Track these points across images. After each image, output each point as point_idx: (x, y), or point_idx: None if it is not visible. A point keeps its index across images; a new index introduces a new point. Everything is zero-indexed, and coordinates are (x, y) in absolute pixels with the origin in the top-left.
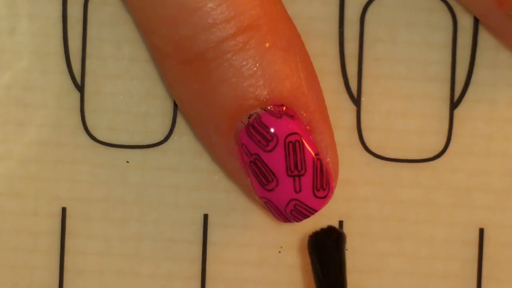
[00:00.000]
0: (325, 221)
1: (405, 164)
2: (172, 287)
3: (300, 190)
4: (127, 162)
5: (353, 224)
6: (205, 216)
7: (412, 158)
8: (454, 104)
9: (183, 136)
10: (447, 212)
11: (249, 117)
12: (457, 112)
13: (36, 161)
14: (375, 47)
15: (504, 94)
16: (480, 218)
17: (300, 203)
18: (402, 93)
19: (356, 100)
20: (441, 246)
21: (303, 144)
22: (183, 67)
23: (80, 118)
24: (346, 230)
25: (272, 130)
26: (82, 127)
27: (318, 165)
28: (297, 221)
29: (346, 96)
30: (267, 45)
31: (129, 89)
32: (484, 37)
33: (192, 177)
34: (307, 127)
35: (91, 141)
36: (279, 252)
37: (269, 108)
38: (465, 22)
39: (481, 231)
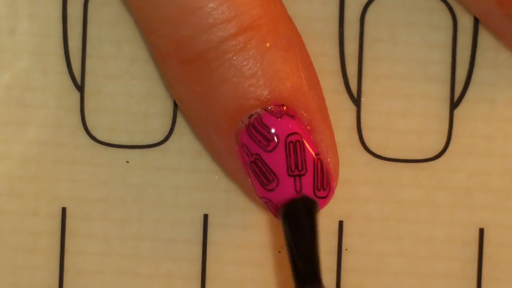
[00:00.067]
0: (325, 221)
1: (405, 164)
2: (172, 287)
3: (300, 190)
4: (127, 162)
5: (353, 224)
6: (205, 216)
7: (412, 158)
8: (454, 104)
9: (183, 136)
10: (447, 212)
11: (249, 117)
12: (457, 112)
13: (36, 161)
14: (375, 47)
15: (504, 94)
16: (480, 218)
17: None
18: (402, 93)
19: (356, 100)
20: (441, 246)
21: (303, 144)
22: (184, 67)
23: (80, 118)
24: (346, 230)
25: (272, 130)
26: (82, 127)
27: (319, 165)
28: None
29: (346, 96)
30: (267, 45)
31: (129, 89)
32: (484, 37)
33: (192, 177)
34: (308, 127)
35: (91, 141)
36: (279, 252)
37: (269, 108)
38: (465, 22)
39: (481, 231)
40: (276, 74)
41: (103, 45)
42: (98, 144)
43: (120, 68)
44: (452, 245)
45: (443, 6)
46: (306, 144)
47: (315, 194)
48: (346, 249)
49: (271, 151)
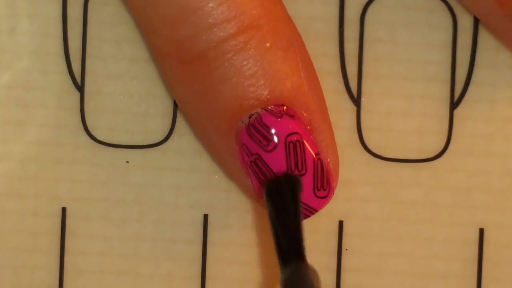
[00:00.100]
0: (325, 221)
1: (405, 164)
2: (172, 287)
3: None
4: (127, 162)
5: (353, 224)
6: (205, 216)
7: (412, 158)
8: (454, 104)
9: (183, 136)
10: (447, 212)
11: (249, 117)
12: (457, 112)
13: (36, 161)
14: (375, 47)
15: (504, 94)
16: (480, 218)
17: (301, 203)
18: (402, 93)
19: (356, 100)
20: (441, 246)
21: (303, 144)
22: (184, 67)
23: (80, 118)
24: (346, 230)
25: (272, 130)
26: (82, 127)
27: (319, 165)
28: None
29: (346, 96)
30: (267, 44)
31: (129, 89)
32: (484, 37)
33: (192, 177)
34: (308, 127)
35: (91, 141)
36: None
37: (269, 107)
38: (465, 22)
39: (481, 231)
40: (276, 74)
41: (103, 45)
42: (98, 144)
43: (120, 68)
44: (452, 245)
45: (443, 6)
46: (306, 144)
47: (315, 194)
48: (346, 249)
49: (271, 151)
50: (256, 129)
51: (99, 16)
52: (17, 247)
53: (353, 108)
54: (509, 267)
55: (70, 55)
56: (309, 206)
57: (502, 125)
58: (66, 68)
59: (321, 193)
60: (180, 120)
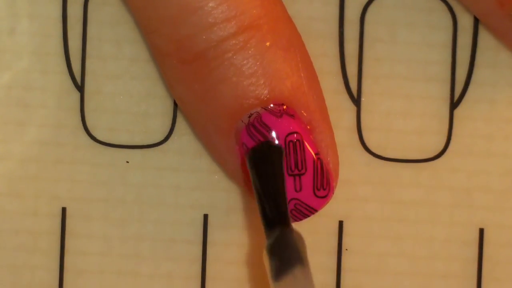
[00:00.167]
0: (325, 221)
1: (405, 164)
2: (172, 287)
3: (300, 190)
4: (127, 162)
5: (353, 224)
6: (205, 216)
7: (412, 158)
8: (454, 104)
9: (183, 136)
10: (447, 212)
11: (249, 116)
12: (457, 112)
13: (36, 161)
14: (375, 47)
15: (504, 94)
16: (480, 218)
17: (301, 203)
18: (402, 93)
19: (356, 100)
20: (441, 246)
21: (303, 143)
22: (184, 67)
23: (80, 118)
24: (346, 230)
25: (272, 129)
26: (82, 127)
27: (319, 165)
28: (296, 221)
29: (346, 96)
30: (267, 44)
31: (129, 89)
32: (484, 37)
33: (192, 177)
34: (308, 127)
35: (91, 141)
36: None
37: (269, 107)
38: (465, 22)
39: (481, 231)
40: (276, 74)
41: (103, 45)
42: (98, 144)
43: (120, 68)
44: (452, 245)
45: (443, 6)
46: (306, 144)
47: (315, 193)
48: (346, 249)
49: None
50: (256, 128)
51: (99, 16)
52: (17, 247)
53: (353, 108)
54: (509, 267)
55: (70, 55)
56: (309, 206)
57: (502, 125)
58: (66, 68)
59: (321, 193)
60: (180, 120)
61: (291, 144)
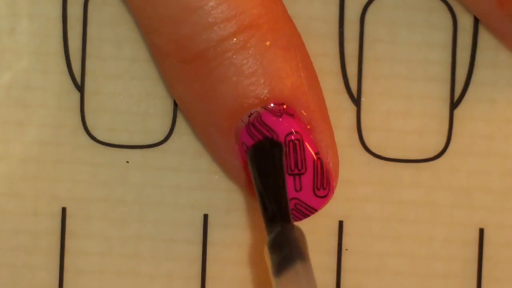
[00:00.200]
0: (325, 221)
1: (405, 164)
2: (172, 287)
3: (300, 189)
4: (127, 162)
5: (353, 224)
6: (205, 216)
7: (412, 158)
8: (454, 104)
9: (183, 136)
10: (447, 212)
11: (249, 116)
12: (457, 112)
13: (36, 161)
14: (375, 47)
15: (504, 94)
16: (480, 218)
17: (301, 202)
18: (402, 93)
19: (356, 100)
20: (441, 246)
21: (303, 143)
22: (184, 66)
23: (80, 118)
24: (346, 230)
25: (272, 129)
26: (82, 127)
27: (319, 165)
28: (296, 220)
29: (346, 96)
30: (267, 43)
31: (129, 89)
32: (484, 37)
33: (192, 177)
34: (308, 126)
35: (91, 141)
36: None
37: (269, 106)
38: (465, 22)
39: (481, 231)
40: (276, 73)
41: (103, 45)
42: (98, 144)
43: (120, 68)
44: (452, 245)
45: (443, 6)
46: (306, 143)
47: (314, 193)
48: (346, 249)
49: None
50: (256, 128)
51: (99, 16)
52: (17, 247)
53: (353, 108)
54: (509, 267)
55: (70, 55)
56: (309, 206)
57: (502, 125)
58: (66, 68)
59: (321, 193)
60: (180, 120)
61: (291, 143)
